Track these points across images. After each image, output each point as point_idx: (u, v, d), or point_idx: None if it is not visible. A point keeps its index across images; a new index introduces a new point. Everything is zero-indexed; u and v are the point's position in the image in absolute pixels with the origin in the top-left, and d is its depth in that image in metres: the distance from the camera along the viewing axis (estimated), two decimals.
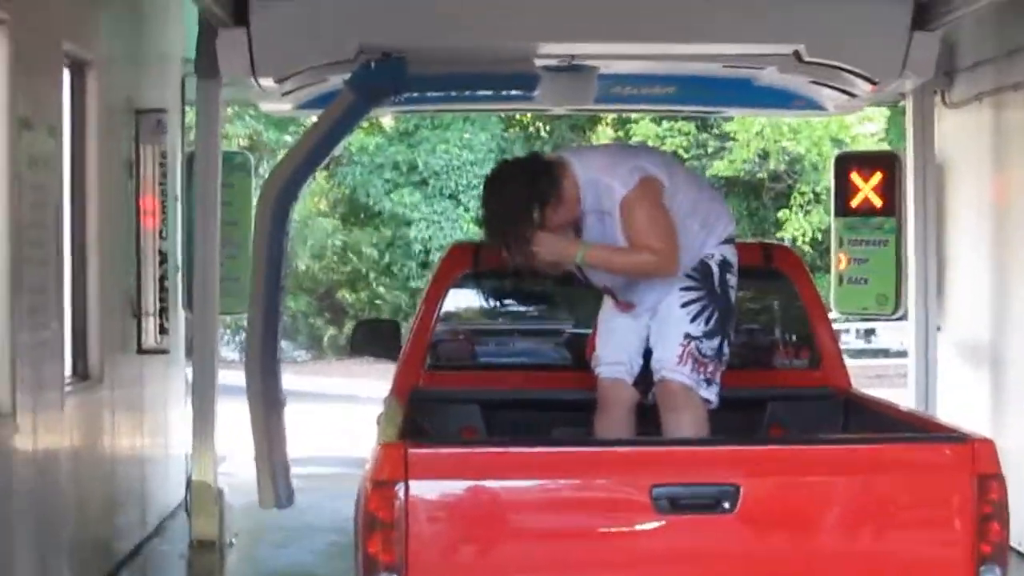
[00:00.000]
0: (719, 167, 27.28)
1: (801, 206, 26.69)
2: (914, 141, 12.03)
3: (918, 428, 6.51)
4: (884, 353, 25.75)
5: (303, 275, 28.45)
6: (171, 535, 11.54)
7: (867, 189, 12.50)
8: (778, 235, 26.31)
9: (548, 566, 5.51)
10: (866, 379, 21.51)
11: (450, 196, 28.25)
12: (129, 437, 10.88)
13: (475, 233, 28.24)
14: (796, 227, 26.37)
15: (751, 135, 26.33)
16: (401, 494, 5.32)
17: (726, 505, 5.43)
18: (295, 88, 9.74)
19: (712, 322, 6.77)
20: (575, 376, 7.33)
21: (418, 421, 6.83)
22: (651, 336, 6.91)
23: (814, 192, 26.58)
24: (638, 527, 5.49)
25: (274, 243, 9.19)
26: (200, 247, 11.25)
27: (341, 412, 19.97)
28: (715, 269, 6.83)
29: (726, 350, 6.84)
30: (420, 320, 7.67)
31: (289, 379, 9.39)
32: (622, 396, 6.96)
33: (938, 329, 11.94)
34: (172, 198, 11.57)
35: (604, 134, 29.17)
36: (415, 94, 9.90)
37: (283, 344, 9.54)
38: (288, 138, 27.76)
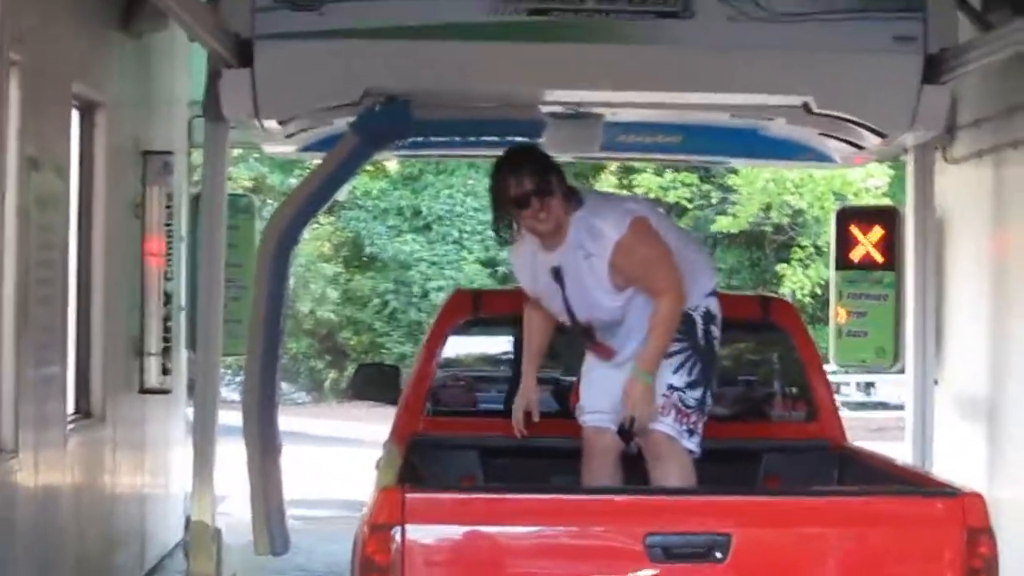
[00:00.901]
0: (723, 223, 27.33)
1: (801, 260, 26.75)
2: (915, 196, 11.95)
3: (910, 482, 6.54)
4: (883, 406, 25.75)
5: (305, 318, 28.48)
6: (169, 574, 11.60)
7: (867, 243, 12.48)
8: (780, 288, 26.34)
9: None
10: (866, 432, 21.54)
11: (453, 241, 28.32)
12: (130, 476, 10.93)
13: (477, 276, 28.30)
14: (795, 280, 26.42)
15: (755, 189, 26.38)
16: (398, 538, 5.36)
17: (718, 555, 5.47)
18: (298, 130, 9.72)
19: (695, 373, 6.82)
20: (574, 424, 7.28)
21: (417, 467, 6.84)
22: None
23: (815, 245, 26.64)
24: (632, 574, 5.51)
25: (274, 286, 9.23)
26: (204, 288, 11.30)
27: (340, 455, 19.98)
28: (699, 321, 6.89)
29: (708, 401, 6.88)
30: (420, 366, 7.70)
31: (289, 421, 9.44)
32: (606, 444, 6.98)
33: (936, 383, 11.87)
34: (177, 239, 11.65)
35: (607, 182, 29.20)
36: (420, 139, 9.97)
37: (283, 386, 9.58)
38: (293, 181, 27.80)
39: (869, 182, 25.60)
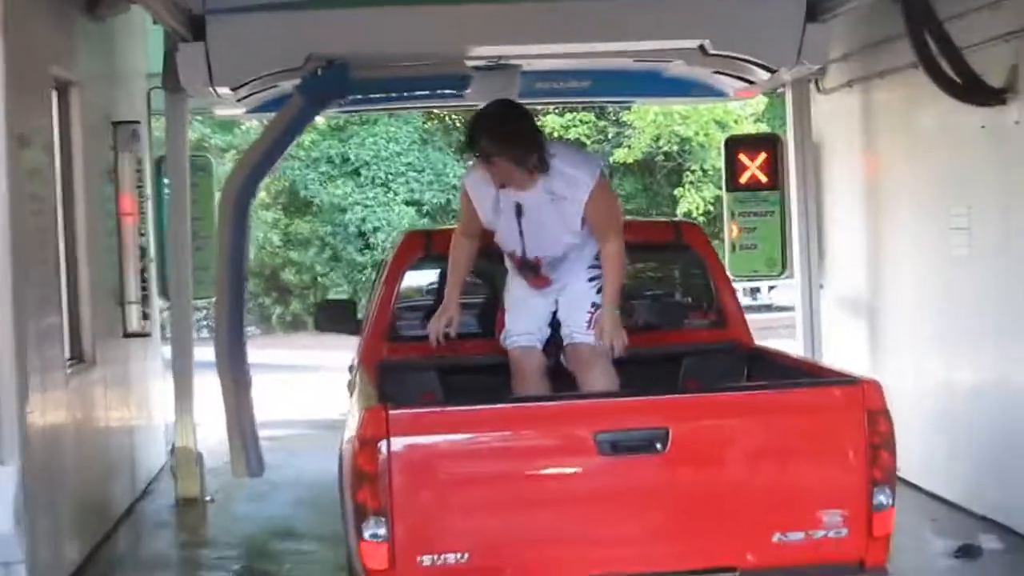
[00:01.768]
0: (620, 155, 27.44)
1: (692, 183, 26.92)
2: (793, 124, 12.19)
3: (814, 374, 6.71)
4: (767, 308, 26.04)
5: (252, 261, 28.48)
6: (158, 495, 11.65)
7: (753, 167, 12.63)
8: (677, 210, 26.50)
9: (510, 503, 5.69)
10: (755, 331, 21.82)
11: (381, 184, 28.28)
12: (119, 411, 10.96)
13: (404, 215, 28.21)
14: (690, 201, 26.62)
15: (646, 122, 26.50)
16: (384, 449, 5.47)
17: (658, 446, 5.62)
18: (248, 94, 9.73)
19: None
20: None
21: (384, 388, 6.91)
22: (560, 309, 7.08)
23: (703, 169, 26.82)
24: (585, 467, 5.67)
25: (236, 236, 9.27)
26: (173, 242, 11.38)
27: (289, 380, 20.05)
28: None
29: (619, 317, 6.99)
30: (381, 300, 7.75)
31: None
32: (535, 361, 7.10)
33: (821, 287, 12.17)
34: (146, 199, 11.69)
35: None
36: (359, 96, 10.00)
37: None
38: (234, 140, 27.66)
39: (747, 110, 25.81)
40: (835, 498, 5.72)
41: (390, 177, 28.35)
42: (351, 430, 5.94)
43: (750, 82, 10.11)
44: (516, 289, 7.22)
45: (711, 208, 26.09)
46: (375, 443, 5.49)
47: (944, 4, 9.32)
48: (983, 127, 9.28)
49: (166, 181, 11.82)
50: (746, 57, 9.20)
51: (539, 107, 27.07)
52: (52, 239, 8.70)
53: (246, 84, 9.34)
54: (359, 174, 28.34)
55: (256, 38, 8.74)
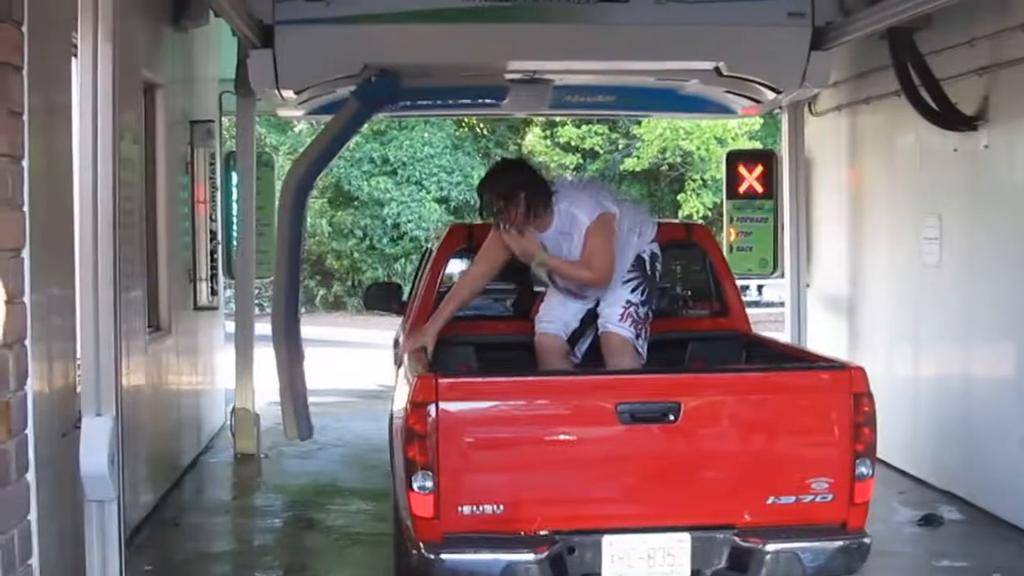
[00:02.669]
0: (629, 164, 27.43)
1: (694, 190, 26.92)
2: (788, 141, 12.17)
3: (806, 360, 6.76)
4: (757, 304, 26.02)
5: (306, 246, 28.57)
6: (219, 450, 11.80)
7: (751, 179, 12.63)
8: (679, 213, 26.50)
9: (540, 463, 5.77)
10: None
11: (415, 183, 28.31)
12: (188, 375, 11.11)
13: (433, 210, 28.26)
14: (691, 206, 26.62)
15: (654, 136, 26.47)
16: (433, 412, 5.55)
17: (671, 417, 5.69)
18: (309, 98, 9.76)
19: (645, 294, 7.06)
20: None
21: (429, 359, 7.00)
22: (600, 304, 7.14)
23: (702, 179, 26.81)
24: (607, 433, 5.73)
25: (294, 224, 9.36)
26: (242, 227, 11.50)
27: (332, 355, 20.11)
28: (647, 260, 7.12)
29: (650, 316, 7.10)
30: (427, 283, 7.79)
31: None
32: (555, 345, 7.19)
33: (807, 286, 12.22)
34: (217, 189, 11.82)
35: (534, 133, 29.19)
36: (407, 103, 10.01)
37: None
38: (286, 139, 27.71)
39: (743, 129, 25.80)
40: (822, 468, 5.77)
41: (423, 176, 28.39)
42: (402, 395, 6.03)
43: (757, 101, 10.09)
44: (556, 290, 7.30)
45: (708, 214, 26.12)
46: (425, 406, 5.56)
47: (926, 40, 9.41)
48: (955, 150, 9.35)
49: (234, 174, 11.95)
50: (756, 79, 9.19)
51: (558, 119, 27.37)
52: (137, 221, 8.83)
53: (308, 88, 9.39)
54: (396, 173, 28.38)
55: (318, 47, 8.80)
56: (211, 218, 11.46)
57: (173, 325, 10.20)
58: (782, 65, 9.01)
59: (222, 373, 12.63)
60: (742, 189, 12.76)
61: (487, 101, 10.37)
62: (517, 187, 6.78)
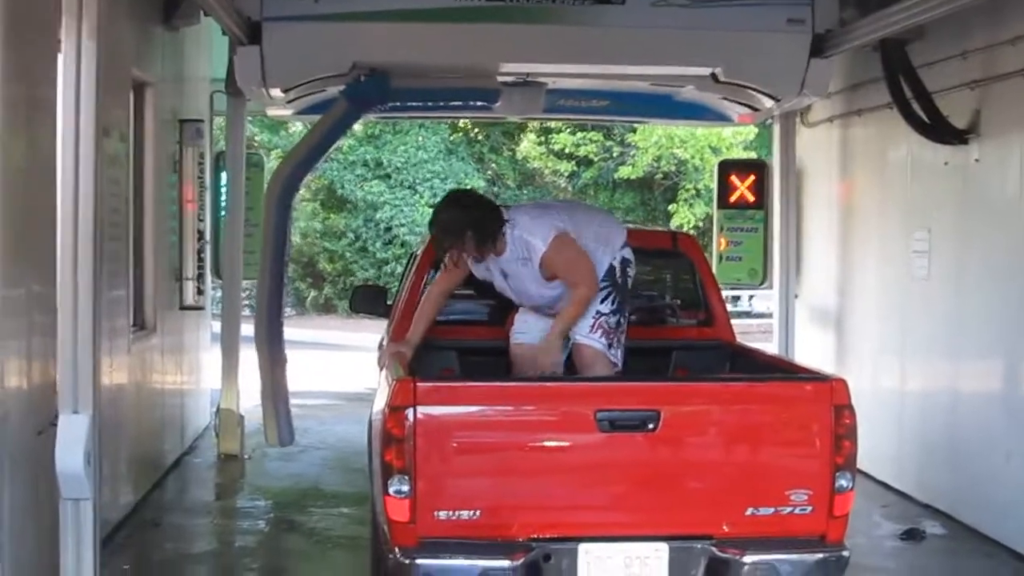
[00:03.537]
0: (623, 172, 27.34)
1: (686, 200, 26.83)
2: (779, 152, 12.16)
3: (789, 371, 6.74)
4: (747, 315, 25.97)
5: (293, 249, 28.50)
6: (202, 451, 11.78)
7: (743, 188, 12.62)
8: (670, 223, 26.39)
9: (518, 469, 5.71)
10: (736, 335, 21.72)
11: (408, 187, 28.25)
12: (173, 375, 11.08)
13: (426, 214, 28.15)
14: (683, 216, 26.55)
15: (649, 144, 26.39)
16: (411, 416, 5.49)
17: (650, 425, 5.63)
18: (297, 97, 9.55)
19: (616, 303, 6.99)
20: None
21: (411, 362, 6.92)
22: None
23: (696, 188, 26.70)
24: (585, 440, 5.68)
25: (279, 225, 9.23)
26: (229, 228, 11.44)
27: (320, 357, 20.14)
28: (618, 268, 7.04)
29: (623, 324, 7.03)
30: (411, 287, 7.74)
31: None
32: (532, 354, 7.08)
33: (796, 297, 12.20)
34: (205, 188, 11.79)
35: (529, 139, 29.13)
36: (397, 103, 9.79)
37: None
38: (279, 140, 27.66)
39: (738, 138, 25.75)
40: (802, 479, 5.73)
41: (417, 181, 28.35)
42: (382, 398, 5.98)
43: (754, 109, 9.98)
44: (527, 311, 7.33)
45: (700, 224, 26.07)
46: (403, 410, 5.52)
47: (919, 52, 9.41)
48: (946, 163, 9.34)
49: (223, 174, 11.92)
50: (754, 86, 9.06)
51: (553, 125, 27.31)
52: (124, 219, 8.79)
53: (296, 87, 9.22)
54: (390, 177, 28.31)
55: (306, 44, 8.65)
56: (199, 218, 11.43)
57: (158, 324, 10.17)
58: (781, 72, 8.85)
59: (208, 373, 12.61)
60: (733, 199, 12.75)
61: (479, 103, 10.18)
62: (464, 225, 6.79)
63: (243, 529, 9.32)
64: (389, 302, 9.18)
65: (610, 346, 6.97)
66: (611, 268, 7.06)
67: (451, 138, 29.19)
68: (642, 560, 5.67)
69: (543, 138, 28.76)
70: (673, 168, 27.22)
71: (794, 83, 8.84)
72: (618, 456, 5.71)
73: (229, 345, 11.49)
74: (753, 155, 23.86)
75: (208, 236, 11.95)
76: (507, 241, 6.84)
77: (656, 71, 9.27)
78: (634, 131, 26.38)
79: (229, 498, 10.29)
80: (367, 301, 9.43)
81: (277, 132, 27.83)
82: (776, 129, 12.15)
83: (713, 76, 8.94)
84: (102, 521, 5.96)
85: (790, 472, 5.79)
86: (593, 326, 6.95)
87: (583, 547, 5.65)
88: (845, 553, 5.80)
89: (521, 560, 5.56)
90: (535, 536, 5.65)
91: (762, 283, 12.78)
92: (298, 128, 25.29)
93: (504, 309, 7.65)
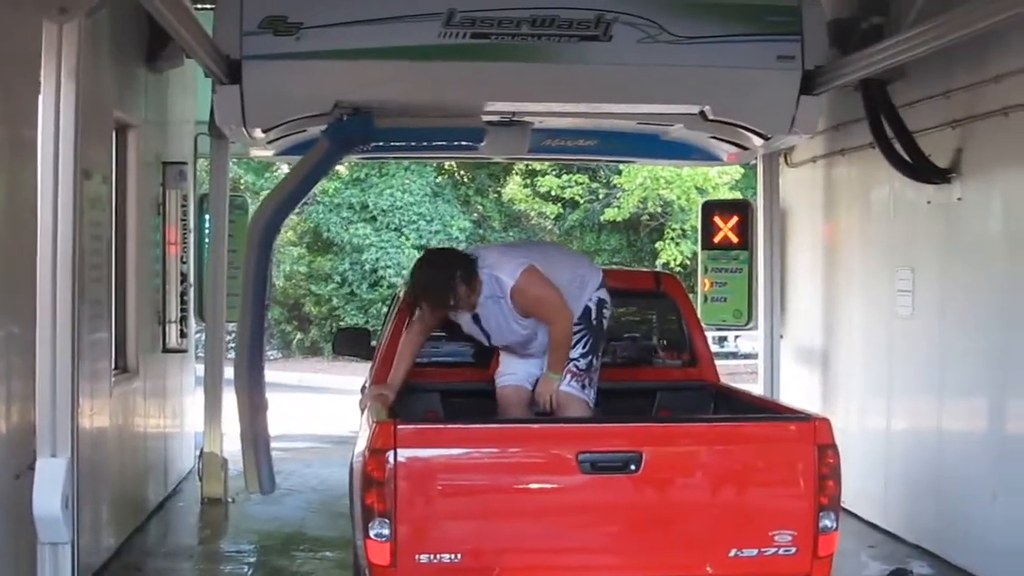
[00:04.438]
0: (609, 214, 27.35)
1: (673, 239, 26.86)
2: (763, 191, 12.07)
3: (772, 411, 6.75)
4: (733, 355, 25.94)
5: (277, 291, 28.42)
6: (186, 494, 11.69)
7: (726, 229, 12.56)
8: (657, 262, 26.39)
9: (499, 512, 5.71)
10: (721, 375, 21.70)
11: (394, 229, 28.22)
12: (156, 418, 11.02)
13: (412, 256, 28.15)
14: (669, 255, 26.55)
15: (634, 185, 26.41)
16: (391, 459, 5.50)
17: (632, 467, 5.64)
18: (278, 137, 9.30)
19: (587, 346, 7.02)
20: None
21: (394, 405, 6.93)
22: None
23: (682, 228, 26.72)
24: (567, 482, 5.69)
25: (260, 267, 9.08)
26: (212, 270, 11.39)
27: (306, 399, 20.08)
28: (593, 309, 7.08)
29: (595, 364, 7.06)
30: (392, 330, 7.72)
31: (265, 374, 9.41)
32: (520, 395, 7.19)
33: (781, 337, 12.17)
34: (189, 231, 11.77)
35: (514, 181, 29.13)
36: (380, 144, 9.65)
37: None
38: (264, 182, 27.63)
39: (723, 178, 25.78)
40: (786, 520, 5.73)
41: (403, 224, 28.34)
42: (363, 441, 5.97)
43: (743, 148, 9.88)
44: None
45: (688, 263, 26.08)
46: (384, 453, 5.52)
47: (900, 92, 9.43)
48: (929, 202, 9.36)
49: (207, 216, 11.88)
50: (743, 124, 8.92)
51: (539, 167, 27.34)
52: (105, 261, 8.78)
53: (276, 127, 8.95)
54: (376, 220, 28.30)
55: (287, 84, 8.40)
56: (182, 260, 11.40)
57: (141, 367, 10.13)
58: (771, 109, 8.64)
59: (191, 416, 12.55)
60: (717, 239, 12.69)
61: (464, 143, 10.07)
62: (450, 287, 6.88)
63: (226, 574, 9.25)
64: (373, 343, 9.12)
65: (583, 387, 6.99)
66: (586, 309, 7.07)
67: (437, 180, 29.22)
68: None
69: (529, 180, 28.79)
70: (659, 209, 27.25)
71: (784, 120, 8.66)
72: (600, 498, 5.71)
73: (213, 388, 11.43)
74: (739, 195, 23.85)
75: (192, 278, 11.92)
76: (481, 281, 6.90)
77: (644, 109, 9.13)
78: (620, 173, 26.42)
79: (212, 542, 10.21)
80: (350, 343, 9.35)
81: (262, 175, 27.84)
82: (760, 169, 12.14)
83: (702, 114, 8.79)
84: (83, 566, 5.91)
85: (774, 512, 5.79)
86: (565, 373, 7.00)
87: None
88: None
89: None
90: None
91: (747, 324, 12.71)
92: (284, 170, 25.28)
93: (488, 351, 7.62)
